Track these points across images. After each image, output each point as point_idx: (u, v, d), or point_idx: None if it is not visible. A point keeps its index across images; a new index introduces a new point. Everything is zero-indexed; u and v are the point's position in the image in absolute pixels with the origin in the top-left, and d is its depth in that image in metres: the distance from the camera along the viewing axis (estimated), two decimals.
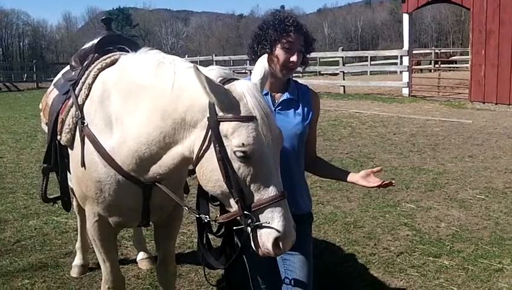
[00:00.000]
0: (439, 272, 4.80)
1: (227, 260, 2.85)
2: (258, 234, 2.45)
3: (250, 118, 2.41)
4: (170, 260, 3.72)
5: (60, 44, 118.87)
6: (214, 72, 2.58)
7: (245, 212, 2.43)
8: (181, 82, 2.64)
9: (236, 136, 2.40)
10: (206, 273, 3.06)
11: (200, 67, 2.65)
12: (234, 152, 2.40)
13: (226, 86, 2.48)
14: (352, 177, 3.12)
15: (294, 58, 2.95)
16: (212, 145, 2.47)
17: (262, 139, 2.41)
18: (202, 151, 2.52)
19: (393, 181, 3.09)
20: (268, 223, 2.41)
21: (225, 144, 2.43)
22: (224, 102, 2.42)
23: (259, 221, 2.42)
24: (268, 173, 2.43)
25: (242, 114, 2.42)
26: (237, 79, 2.59)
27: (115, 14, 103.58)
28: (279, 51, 2.94)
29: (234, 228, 2.65)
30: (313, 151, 3.30)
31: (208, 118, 2.48)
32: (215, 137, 2.45)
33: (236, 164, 2.42)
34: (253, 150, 2.38)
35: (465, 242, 5.46)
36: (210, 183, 2.55)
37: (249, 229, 2.45)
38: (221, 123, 2.44)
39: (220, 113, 2.44)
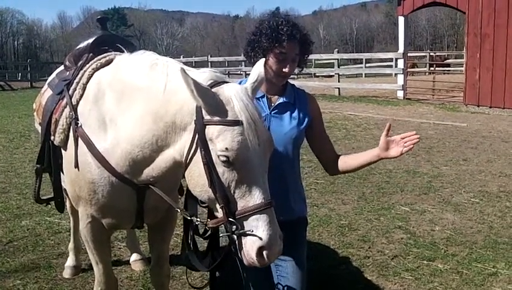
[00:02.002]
0: (433, 275, 4.79)
1: (212, 263, 2.82)
2: (243, 242, 2.40)
3: (236, 122, 2.37)
4: (164, 261, 3.69)
5: (54, 43, 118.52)
6: (205, 75, 2.56)
7: (230, 219, 2.39)
8: (172, 84, 2.61)
9: (221, 140, 2.36)
10: (189, 274, 3.03)
11: (192, 70, 2.62)
12: (218, 156, 2.37)
13: (214, 89, 2.45)
14: (377, 154, 2.99)
15: (286, 69, 2.90)
16: (199, 149, 2.45)
17: (248, 144, 2.37)
18: (190, 155, 2.50)
19: (415, 138, 2.90)
20: (252, 231, 2.36)
21: (210, 148, 2.40)
22: (211, 105, 2.39)
23: (245, 228, 2.38)
24: (253, 180, 2.39)
25: (228, 118, 2.39)
26: (228, 82, 2.56)
27: (110, 13, 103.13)
28: (271, 61, 2.90)
29: (220, 235, 2.62)
30: (332, 151, 3.17)
31: (194, 121, 2.45)
32: (200, 141, 2.42)
33: (220, 169, 2.38)
34: (237, 155, 2.34)
35: (460, 246, 5.46)
36: (197, 188, 2.53)
37: (234, 236, 2.41)
38: (207, 127, 2.41)
39: (207, 117, 2.41)
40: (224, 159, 2.34)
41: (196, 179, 2.50)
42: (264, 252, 2.36)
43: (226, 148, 2.34)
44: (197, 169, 2.48)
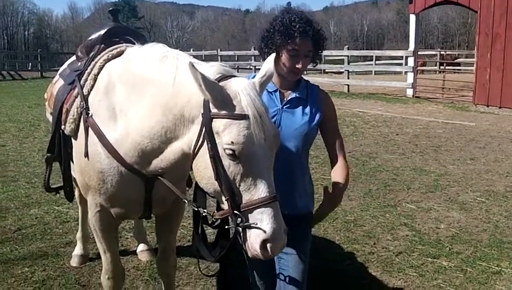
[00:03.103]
0: (437, 272, 4.81)
1: (220, 253, 2.84)
2: (248, 235, 2.42)
3: (242, 116, 2.39)
4: (171, 252, 3.74)
5: (65, 34, 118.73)
6: (214, 69, 2.58)
7: (235, 211, 2.42)
8: (182, 77, 2.64)
9: (227, 134, 2.38)
10: (200, 264, 3.06)
11: (201, 63, 2.65)
12: (224, 150, 2.40)
13: (221, 83, 2.47)
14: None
15: (299, 65, 2.90)
16: (206, 142, 2.48)
17: (254, 139, 2.38)
18: (197, 147, 2.53)
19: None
20: (257, 224, 2.38)
21: (217, 141, 2.43)
22: (218, 99, 2.41)
23: (249, 221, 2.41)
24: (258, 173, 2.40)
25: (235, 112, 2.41)
26: (235, 76, 2.58)
27: (121, 5, 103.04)
28: (285, 57, 2.90)
29: (226, 227, 2.65)
30: (334, 155, 3.14)
31: (202, 114, 2.48)
32: (207, 134, 2.44)
33: (226, 162, 2.41)
34: (243, 149, 2.36)
35: (464, 244, 5.47)
36: (203, 180, 2.55)
37: (239, 229, 2.44)
38: (214, 120, 2.43)
39: (214, 110, 2.43)
40: (230, 152, 2.37)
41: (203, 172, 2.54)
42: (268, 245, 2.38)
43: (232, 142, 2.36)
44: (203, 161, 2.51)
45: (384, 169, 8.63)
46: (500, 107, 16.41)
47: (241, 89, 2.46)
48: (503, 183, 7.87)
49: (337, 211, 6.48)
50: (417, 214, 6.43)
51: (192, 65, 2.37)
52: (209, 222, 2.88)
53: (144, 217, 3.43)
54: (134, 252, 5.17)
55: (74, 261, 4.94)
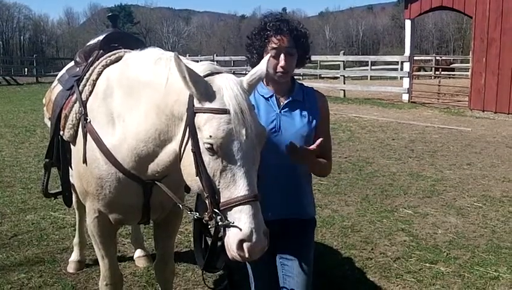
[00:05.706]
0: (435, 278, 4.81)
1: (206, 259, 2.79)
2: (227, 235, 2.36)
3: (223, 111, 2.37)
4: (169, 258, 3.73)
5: (60, 39, 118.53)
6: (204, 67, 2.57)
7: (214, 209, 2.37)
8: (173, 77, 2.61)
9: (207, 128, 2.35)
10: (203, 273, 3.04)
11: (191, 62, 2.64)
12: (204, 144, 2.37)
13: (207, 78, 2.47)
14: None
15: (282, 63, 2.88)
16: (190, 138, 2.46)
17: (233, 134, 2.35)
18: (184, 144, 2.51)
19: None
20: (233, 223, 2.32)
21: (198, 137, 2.40)
22: (202, 93, 2.40)
23: (228, 220, 2.34)
24: (238, 171, 2.35)
25: (216, 106, 2.38)
26: (223, 73, 2.58)
27: (117, 10, 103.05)
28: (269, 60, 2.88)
29: (209, 226, 2.59)
30: (325, 153, 3.10)
31: (187, 109, 2.47)
32: (190, 129, 2.43)
33: (206, 158, 2.38)
34: (222, 144, 2.33)
35: (462, 249, 5.47)
36: (189, 178, 2.53)
37: (221, 228, 2.39)
38: (196, 115, 2.42)
39: (197, 105, 2.42)
40: (208, 146, 2.34)
41: (188, 169, 2.50)
42: (245, 245, 2.30)
43: (210, 136, 2.33)
44: (188, 158, 2.48)
45: (380, 174, 8.63)
46: (495, 112, 16.46)
47: (225, 84, 2.44)
48: (499, 188, 7.88)
49: (335, 216, 6.48)
50: (414, 219, 6.44)
51: (177, 56, 2.35)
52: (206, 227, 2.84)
53: (143, 222, 3.43)
54: (131, 258, 5.15)
55: (71, 268, 4.91)
